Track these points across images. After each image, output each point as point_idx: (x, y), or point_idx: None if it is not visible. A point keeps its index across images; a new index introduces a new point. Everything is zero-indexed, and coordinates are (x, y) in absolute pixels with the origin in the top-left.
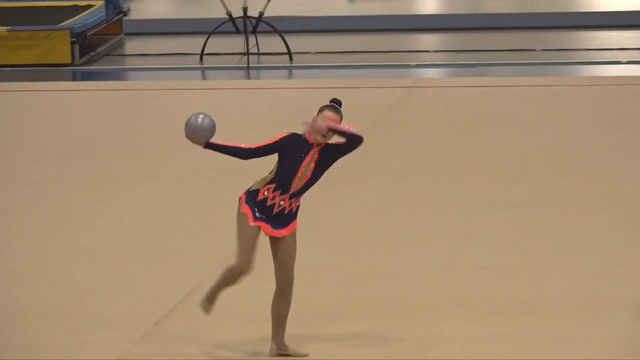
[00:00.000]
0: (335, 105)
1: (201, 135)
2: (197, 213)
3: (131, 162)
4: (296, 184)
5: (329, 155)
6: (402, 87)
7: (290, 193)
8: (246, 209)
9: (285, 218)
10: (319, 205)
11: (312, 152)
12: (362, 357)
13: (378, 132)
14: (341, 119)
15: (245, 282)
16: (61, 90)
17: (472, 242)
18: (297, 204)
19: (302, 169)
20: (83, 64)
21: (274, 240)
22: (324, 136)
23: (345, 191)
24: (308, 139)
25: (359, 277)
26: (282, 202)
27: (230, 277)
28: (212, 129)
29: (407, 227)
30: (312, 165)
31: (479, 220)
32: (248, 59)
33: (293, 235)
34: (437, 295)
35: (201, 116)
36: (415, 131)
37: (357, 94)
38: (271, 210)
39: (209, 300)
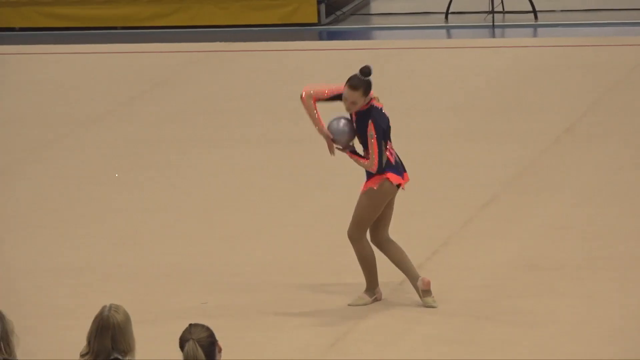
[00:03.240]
0: (358, 78)
1: (340, 139)
2: (439, 173)
3: None
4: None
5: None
6: None
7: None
8: None
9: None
10: (561, 164)
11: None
12: (605, 315)
13: (621, 90)
14: (363, 91)
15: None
16: (308, 50)
17: None
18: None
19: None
20: (329, 23)
21: None
22: (350, 106)
23: (589, 149)
24: None
25: (601, 236)
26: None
27: None
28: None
29: None
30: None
31: None
32: (493, 17)
33: (366, 193)
34: None
35: (343, 121)
36: None
37: (602, 52)
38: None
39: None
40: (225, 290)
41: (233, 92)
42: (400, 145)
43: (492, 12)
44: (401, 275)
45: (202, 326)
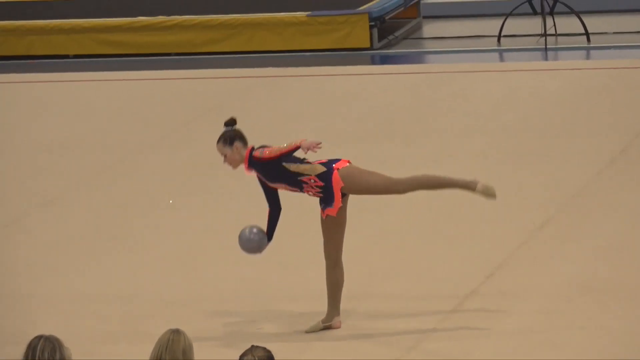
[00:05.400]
0: (225, 131)
1: (249, 247)
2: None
3: (427, 144)
4: None
5: None
6: None
7: None
8: None
9: None
10: (615, 185)
11: None
12: None
13: None
14: (222, 142)
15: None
16: (360, 74)
17: None
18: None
19: None
20: (382, 47)
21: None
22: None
23: None
24: None
25: None
26: None
27: None
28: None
29: None
30: None
31: None
32: (545, 40)
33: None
34: None
35: (255, 230)
36: None
37: None
38: None
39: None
40: (281, 316)
41: (286, 117)
42: (453, 166)
43: (545, 35)
44: (453, 301)
45: (263, 348)
